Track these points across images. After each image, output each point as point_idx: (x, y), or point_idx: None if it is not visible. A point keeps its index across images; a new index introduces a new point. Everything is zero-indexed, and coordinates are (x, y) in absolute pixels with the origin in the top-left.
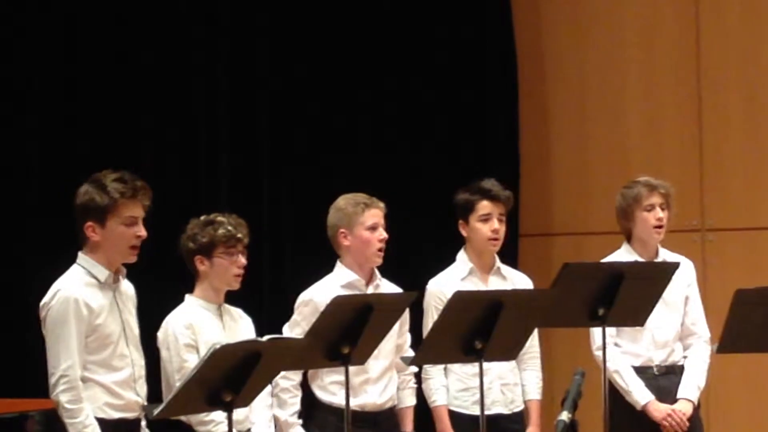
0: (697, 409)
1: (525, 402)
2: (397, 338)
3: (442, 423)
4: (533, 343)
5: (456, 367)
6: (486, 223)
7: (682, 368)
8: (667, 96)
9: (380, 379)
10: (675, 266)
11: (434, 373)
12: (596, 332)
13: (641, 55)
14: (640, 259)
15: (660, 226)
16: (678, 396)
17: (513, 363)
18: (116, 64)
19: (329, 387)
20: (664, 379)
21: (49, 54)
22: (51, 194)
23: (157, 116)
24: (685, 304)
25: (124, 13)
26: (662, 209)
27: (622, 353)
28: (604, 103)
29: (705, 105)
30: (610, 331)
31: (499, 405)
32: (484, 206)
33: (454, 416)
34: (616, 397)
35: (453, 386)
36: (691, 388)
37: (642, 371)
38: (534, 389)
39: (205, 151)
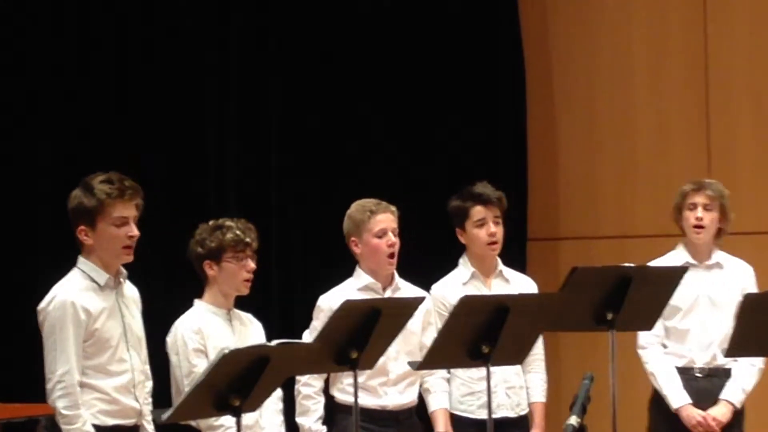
0: (740, 412)
1: (529, 404)
2: (422, 337)
3: (440, 426)
4: (537, 345)
5: (460, 372)
6: (482, 228)
7: (726, 371)
8: (676, 100)
9: (400, 381)
10: (683, 270)
11: (432, 379)
12: (642, 333)
13: (649, 60)
14: (691, 261)
15: (700, 226)
16: (720, 397)
17: (518, 366)
18: (127, 69)
19: (348, 389)
20: (705, 381)
21: (57, 55)
22: (56, 196)
23: (167, 121)
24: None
25: (132, 17)
26: (706, 209)
27: (666, 353)
28: (612, 108)
29: (713, 109)
30: (657, 330)
31: (505, 408)
32: (478, 211)
33: (460, 421)
34: (658, 399)
35: (458, 391)
36: (734, 390)
37: (684, 372)
38: (538, 392)
39: (214, 155)
